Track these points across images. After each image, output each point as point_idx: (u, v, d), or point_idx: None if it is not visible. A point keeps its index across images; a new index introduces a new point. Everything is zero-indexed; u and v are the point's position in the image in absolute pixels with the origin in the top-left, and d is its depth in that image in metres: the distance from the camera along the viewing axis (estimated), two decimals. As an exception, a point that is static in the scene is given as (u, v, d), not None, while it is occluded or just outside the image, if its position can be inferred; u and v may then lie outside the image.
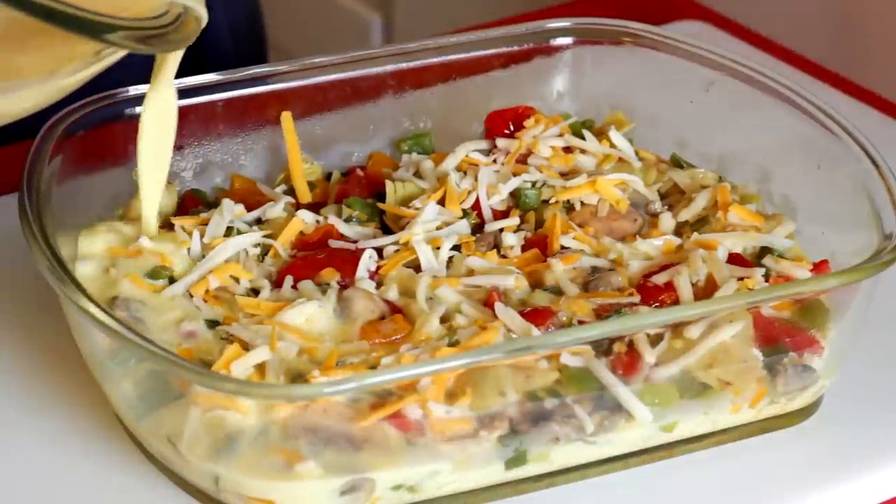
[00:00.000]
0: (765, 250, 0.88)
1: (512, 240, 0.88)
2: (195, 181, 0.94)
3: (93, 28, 0.73)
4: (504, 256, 0.87)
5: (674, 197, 0.94)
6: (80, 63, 0.77)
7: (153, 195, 0.86)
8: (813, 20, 1.26)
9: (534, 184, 0.92)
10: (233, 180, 0.94)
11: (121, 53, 0.78)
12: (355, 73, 0.97)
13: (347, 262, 0.85)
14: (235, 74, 0.90)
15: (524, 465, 0.80)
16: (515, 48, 1.00)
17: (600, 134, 0.97)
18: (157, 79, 0.84)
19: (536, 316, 0.81)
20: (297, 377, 0.77)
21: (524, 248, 0.88)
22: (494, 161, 0.94)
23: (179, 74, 0.85)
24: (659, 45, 0.98)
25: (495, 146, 0.95)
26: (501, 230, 0.89)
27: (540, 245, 0.88)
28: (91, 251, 0.85)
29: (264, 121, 0.95)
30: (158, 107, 0.84)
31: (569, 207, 0.91)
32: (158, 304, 0.83)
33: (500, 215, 0.91)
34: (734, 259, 0.86)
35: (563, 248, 0.87)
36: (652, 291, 0.83)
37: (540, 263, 0.87)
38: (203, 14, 0.79)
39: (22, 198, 0.82)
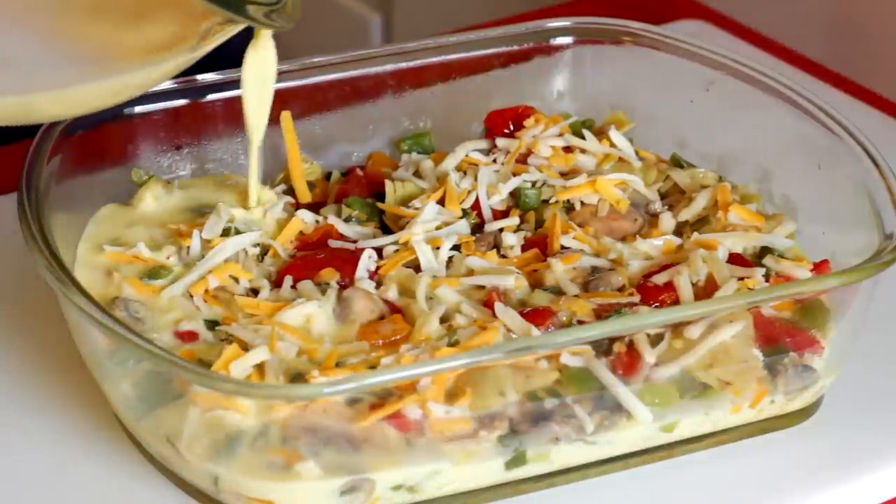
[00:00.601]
0: (765, 250, 0.88)
1: (512, 240, 0.88)
2: (196, 181, 0.95)
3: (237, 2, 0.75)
4: (504, 256, 0.87)
5: (674, 197, 0.93)
6: (183, 47, 0.78)
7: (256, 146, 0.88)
8: (813, 19, 1.26)
9: (534, 183, 0.92)
10: None
11: (218, 41, 0.79)
12: (355, 73, 0.97)
13: (347, 261, 0.85)
14: (235, 74, 0.90)
15: (524, 465, 0.80)
16: (515, 48, 1.00)
17: (600, 133, 0.96)
18: (258, 38, 0.85)
19: (536, 316, 0.81)
20: (297, 377, 0.77)
21: (524, 248, 0.88)
22: (494, 161, 0.93)
23: (179, 74, 0.84)
24: (659, 45, 0.98)
25: (495, 146, 0.95)
26: (501, 230, 0.89)
27: (540, 245, 0.88)
28: (91, 259, 0.86)
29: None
30: (259, 62, 0.86)
31: (569, 207, 0.91)
32: (158, 305, 0.83)
33: (499, 215, 0.90)
34: (735, 259, 0.86)
35: (563, 248, 0.87)
36: (652, 291, 0.83)
37: (540, 263, 0.86)
38: None
39: (21, 197, 0.82)
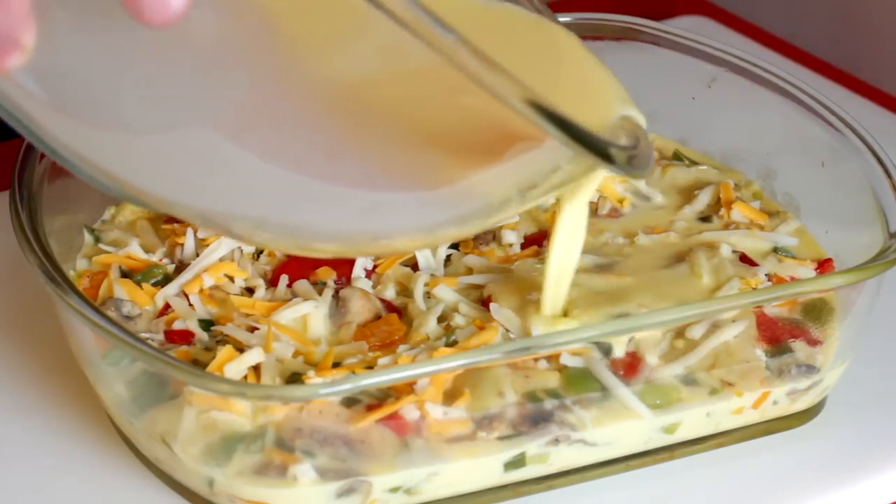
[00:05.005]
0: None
1: (511, 237, 0.88)
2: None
3: (598, 144, 0.65)
4: (504, 253, 0.87)
5: (676, 194, 0.93)
6: (525, 196, 0.70)
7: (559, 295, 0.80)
8: (816, 15, 1.25)
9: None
10: None
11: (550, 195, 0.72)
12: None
13: (343, 260, 0.85)
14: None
15: (523, 467, 0.79)
16: (515, 44, 0.99)
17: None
18: (581, 190, 0.77)
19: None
20: (293, 378, 0.77)
21: (524, 246, 0.88)
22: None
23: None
24: (660, 41, 0.98)
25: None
26: (500, 227, 0.88)
27: (539, 242, 0.88)
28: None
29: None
30: (575, 215, 0.78)
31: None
32: (151, 304, 0.82)
33: (499, 213, 0.90)
34: (738, 257, 0.86)
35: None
36: (652, 291, 0.83)
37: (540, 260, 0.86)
38: (643, 122, 0.74)
39: (13, 196, 0.82)
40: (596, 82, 0.75)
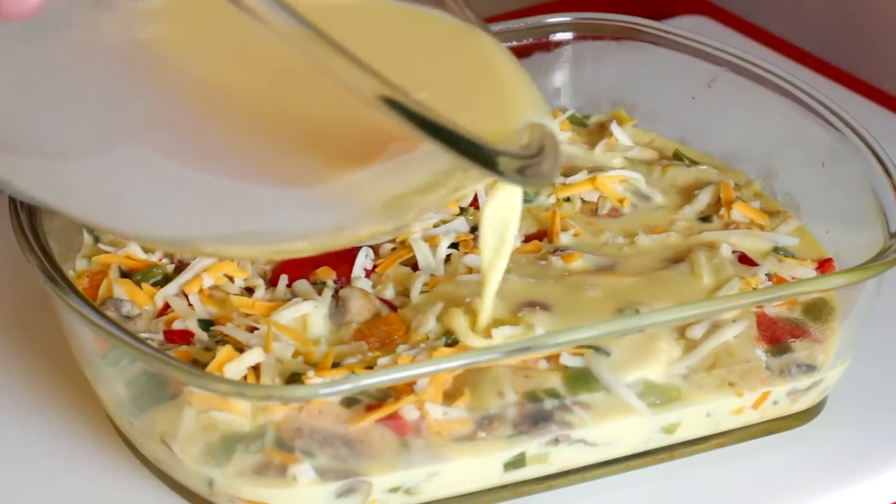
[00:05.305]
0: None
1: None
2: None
3: (488, 155, 0.63)
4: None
5: (676, 194, 0.93)
6: (433, 201, 0.69)
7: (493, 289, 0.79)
8: (816, 15, 1.25)
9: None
10: None
11: (465, 192, 0.71)
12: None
13: (343, 260, 0.84)
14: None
15: (523, 467, 0.79)
16: (514, 43, 0.99)
17: (602, 130, 0.96)
18: (498, 190, 0.76)
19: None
20: (293, 378, 0.77)
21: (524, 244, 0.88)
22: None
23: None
24: (660, 41, 0.98)
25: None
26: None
27: (539, 241, 0.88)
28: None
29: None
30: (503, 203, 0.76)
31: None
32: (150, 304, 0.82)
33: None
34: (739, 257, 0.86)
35: (563, 247, 0.87)
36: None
37: (539, 257, 0.86)
38: (559, 135, 0.72)
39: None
40: (511, 90, 0.73)
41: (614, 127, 0.96)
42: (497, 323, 0.79)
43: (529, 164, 0.67)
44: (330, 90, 0.62)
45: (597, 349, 0.78)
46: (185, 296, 0.83)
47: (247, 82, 0.65)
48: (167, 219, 0.69)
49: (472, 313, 0.79)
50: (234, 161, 0.66)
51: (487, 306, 0.79)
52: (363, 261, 0.85)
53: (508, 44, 0.99)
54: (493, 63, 0.75)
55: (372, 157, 0.66)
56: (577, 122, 0.98)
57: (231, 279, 0.84)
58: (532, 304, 0.81)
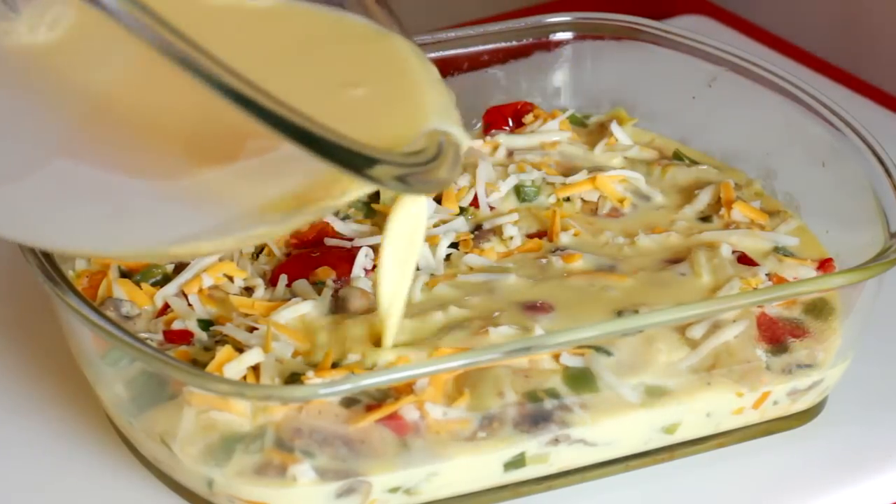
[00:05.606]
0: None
1: (512, 230, 0.88)
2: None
3: (358, 161, 0.63)
4: (504, 247, 0.87)
5: (676, 193, 0.93)
6: (325, 204, 0.69)
7: (397, 312, 0.77)
8: (816, 14, 1.25)
9: (533, 180, 0.91)
10: None
11: (357, 194, 0.70)
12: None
13: (343, 260, 0.84)
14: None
15: (523, 467, 0.79)
16: (515, 43, 0.99)
17: (602, 129, 0.96)
18: (401, 200, 0.75)
19: (537, 311, 0.81)
20: (292, 378, 0.77)
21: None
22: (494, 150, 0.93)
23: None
24: (660, 40, 0.98)
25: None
26: (501, 225, 0.88)
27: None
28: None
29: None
30: (408, 220, 0.76)
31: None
32: (150, 304, 0.82)
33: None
34: (739, 257, 0.85)
35: (563, 247, 0.87)
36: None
37: (539, 257, 0.86)
38: (465, 141, 0.71)
39: (12, 195, 0.82)
40: (418, 96, 0.73)
41: (614, 127, 0.96)
42: (408, 345, 0.78)
43: (414, 172, 0.66)
44: (192, 88, 0.62)
45: (597, 349, 0.78)
46: (185, 296, 0.83)
47: (127, 87, 0.66)
48: (97, 230, 0.70)
49: (371, 326, 0.79)
50: (118, 160, 0.68)
51: (391, 335, 0.77)
52: (363, 261, 0.84)
53: (508, 43, 0.99)
54: (401, 68, 0.74)
55: (232, 155, 0.67)
56: (577, 122, 0.98)
57: (231, 279, 0.84)
58: (532, 304, 0.81)
